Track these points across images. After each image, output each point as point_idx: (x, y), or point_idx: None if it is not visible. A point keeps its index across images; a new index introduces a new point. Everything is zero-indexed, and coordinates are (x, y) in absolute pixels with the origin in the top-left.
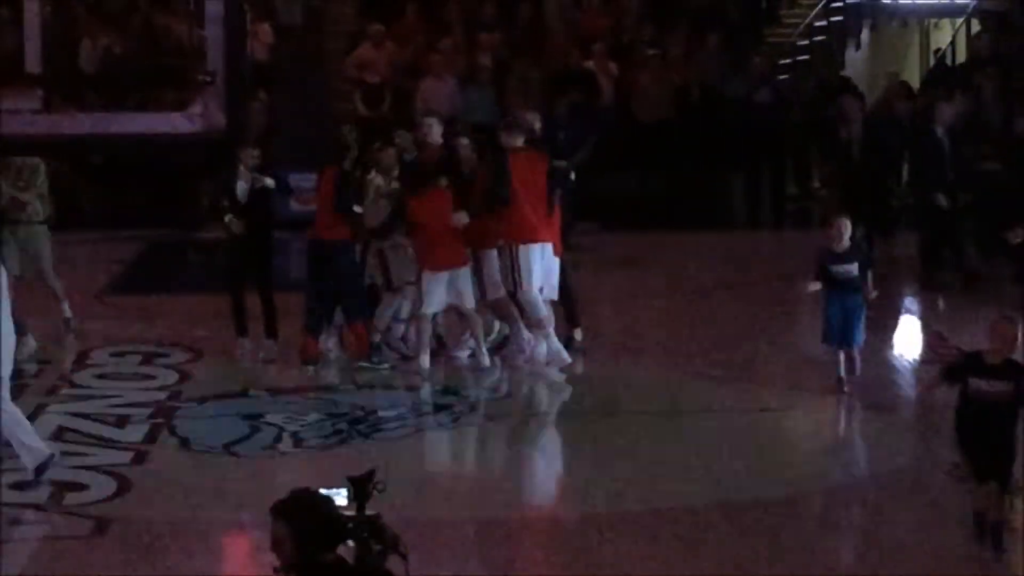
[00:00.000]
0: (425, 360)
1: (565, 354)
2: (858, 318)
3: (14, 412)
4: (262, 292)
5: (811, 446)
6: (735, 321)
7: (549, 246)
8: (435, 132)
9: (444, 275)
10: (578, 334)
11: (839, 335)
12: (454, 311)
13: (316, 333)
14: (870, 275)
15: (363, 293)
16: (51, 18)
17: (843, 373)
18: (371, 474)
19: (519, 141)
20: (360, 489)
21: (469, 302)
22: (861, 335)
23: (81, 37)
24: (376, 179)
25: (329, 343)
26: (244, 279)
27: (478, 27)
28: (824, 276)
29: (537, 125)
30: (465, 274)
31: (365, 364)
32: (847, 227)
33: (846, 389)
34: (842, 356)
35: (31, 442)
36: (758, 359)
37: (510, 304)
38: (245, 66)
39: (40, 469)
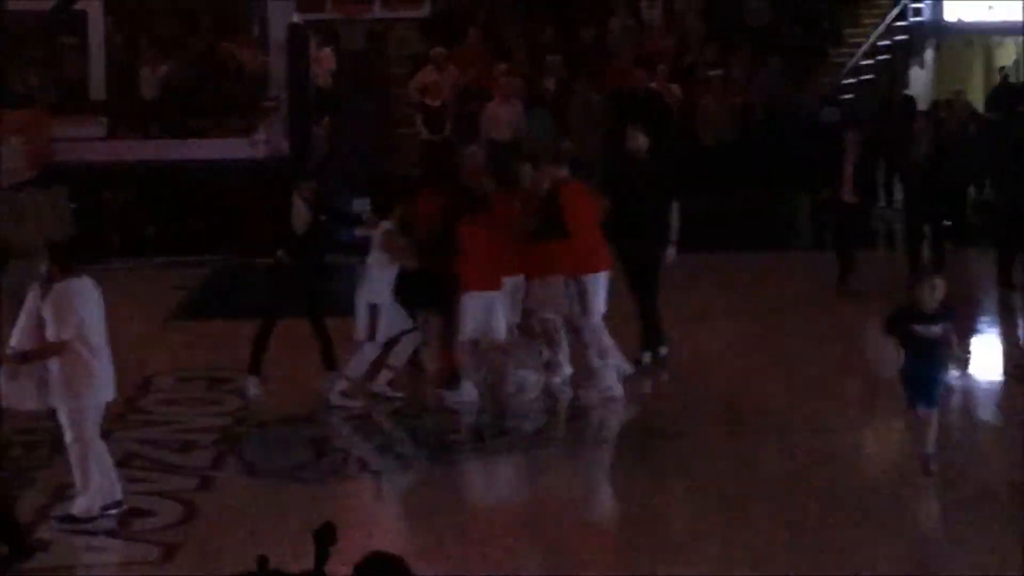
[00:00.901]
0: (471, 388)
1: (618, 390)
2: (940, 380)
3: (101, 446)
4: (316, 323)
5: (875, 466)
6: (800, 341)
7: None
8: (478, 157)
9: (482, 297)
10: (646, 357)
11: (921, 396)
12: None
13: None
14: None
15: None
16: (114, 45)
17: (929, 449)
18: (331, 528)
19: (565, 171)
20: (320, 545)
21: (500, 333)
22: (939, 396)
23: (143, 64)
24: None
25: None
26: (281, 313)
27: (540, 49)
28: (906, 337)
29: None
30: (498, 301)
31: (444, 391)
32: (940, 287)
33: (933, 469)
34: (925, 425)
35: (108, 479)
36: (823, 380)
37: (559, 330)
38: (308, 92)
39: (105, 508)
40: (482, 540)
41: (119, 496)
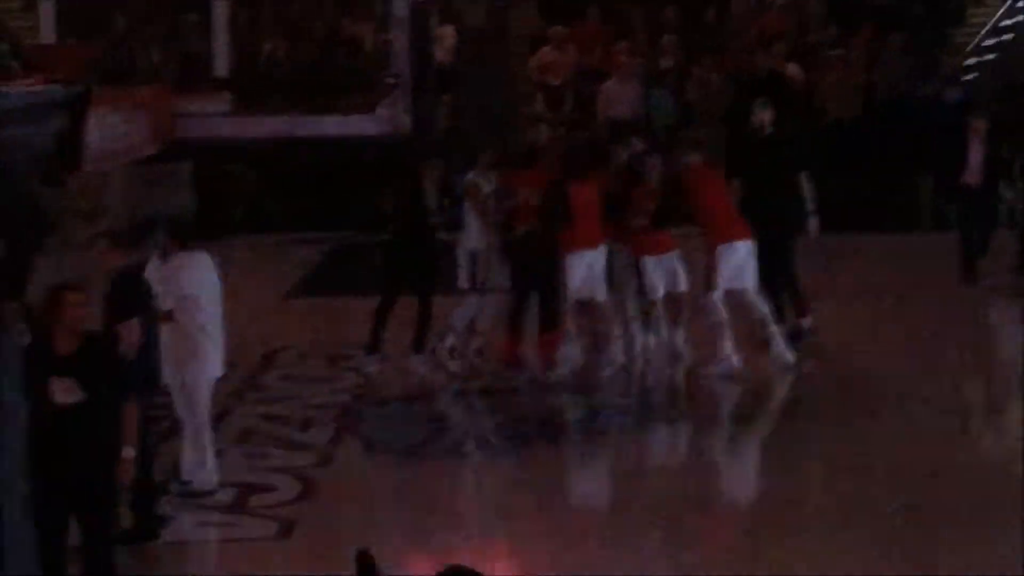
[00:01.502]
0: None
1: (735, 360)
2: None
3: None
4: (424, 303)
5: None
6: (921, 322)
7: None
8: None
9: (585, 256)
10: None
11: None
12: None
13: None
14: None
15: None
16: (237, 22)
17: None
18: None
19: (696, 156)
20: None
21: (601, 293)
22: None
23: (266, 42)
24: None
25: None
26: (400, 291)
27: (660, 29)
28: None
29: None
30: (600, 260)
31: (550, 371)
32: None
33: None
34: None
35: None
36: (943, 362)
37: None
38: (431, 69)
39: (194, 490)
40: (602, 521)
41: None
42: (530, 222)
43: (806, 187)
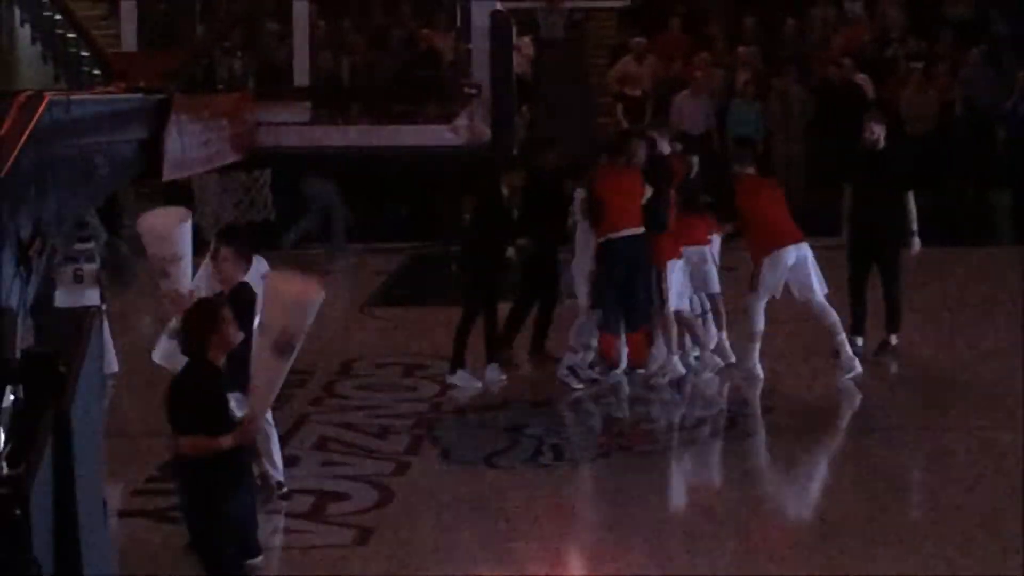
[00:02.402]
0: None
1: (759, 370)
2: None
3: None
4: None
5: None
6: (997, 339)
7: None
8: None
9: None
10: (893, 339)
11: None
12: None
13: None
14: None
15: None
16: (318, 32)
17: None
18: None
19: (749, 168)
20: None
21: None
22: None
23: (347, 51)
24: None
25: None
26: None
27: (741, 41)
28: None
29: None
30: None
31: (642, 372)
32: None
33: None
34: None
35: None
36: (1016, 378)
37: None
38: (511, 79)
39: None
40: (672, 535)
41: (279, 480)
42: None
43: (912, 204)
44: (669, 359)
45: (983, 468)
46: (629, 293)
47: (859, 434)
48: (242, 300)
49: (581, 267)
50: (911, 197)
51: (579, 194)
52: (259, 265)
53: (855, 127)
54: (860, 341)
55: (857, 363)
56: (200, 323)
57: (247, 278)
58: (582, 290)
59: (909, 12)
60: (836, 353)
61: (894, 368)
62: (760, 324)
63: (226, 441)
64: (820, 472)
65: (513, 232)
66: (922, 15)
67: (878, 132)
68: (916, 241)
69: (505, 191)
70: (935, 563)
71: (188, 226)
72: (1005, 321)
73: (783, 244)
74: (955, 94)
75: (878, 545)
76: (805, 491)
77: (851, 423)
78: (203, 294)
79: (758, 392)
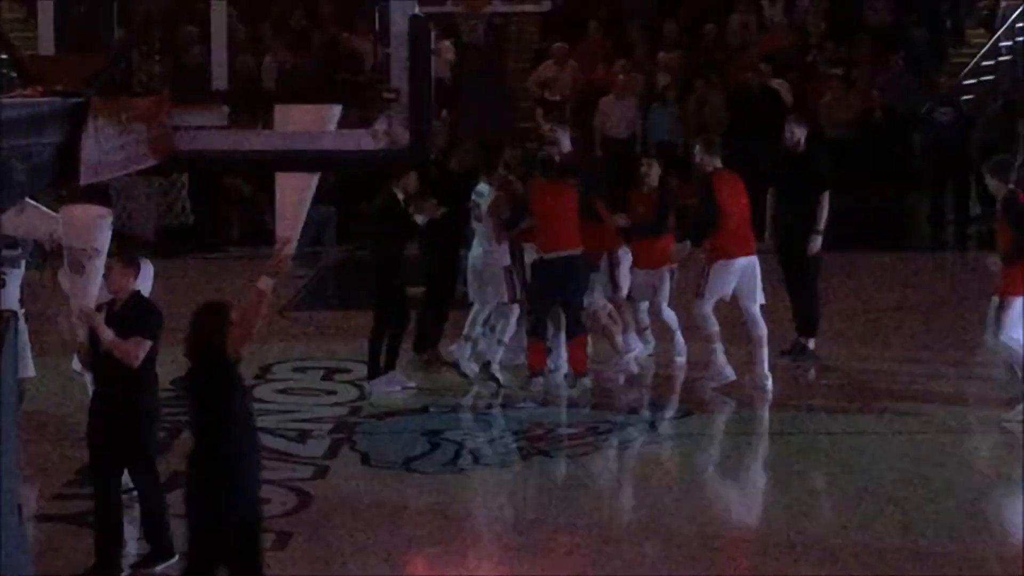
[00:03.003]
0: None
1: (729, 371)
2: None
3: None
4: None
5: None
6: (915, 343)
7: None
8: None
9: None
10: (811, 343)
11: None
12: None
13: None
14: None
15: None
16: (237, 35)
17: None
18: None
19: (718, 162)
20: None
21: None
22: None
23: (265, 55)
24: None
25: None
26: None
27: (660, 46)
28: None
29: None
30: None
31: (581, 380)
32: None
33: None
34: None
35: None
36: (936, 382)
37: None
38: (429, 84)
39: None
40: (589, 537)
41: None
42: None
43: (824, 204)
44: (624, 355)
45: (899, 472)
46: (565, 305)
47: (776, 437)
48: (141, 309)
49: (487, 262)
50: (825, 197)
51: (491, 194)
52: (147, 270)
53: (772, 132)
54: (811, 343)
55: (729, 371)
56: (213, 324)
57: (137, 285)
58: (491, 286)
59: (829, 18)
60: (788, 353)
61: (811, 373)
62: (714, 326)
63: (266, 283)
64: (736, 476)
65: (410, 236)
66: (841, 21)
67: (799, 134)
68: (817, 241)
69: (401, 195)
70: (852, 568)
71: (108, 223)
72: (920, 326)
73: (747, 252)
74: (874, 100)
75: (794, 548)
76: (721, 495)
77: (767, 427)
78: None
79: (677, 395)
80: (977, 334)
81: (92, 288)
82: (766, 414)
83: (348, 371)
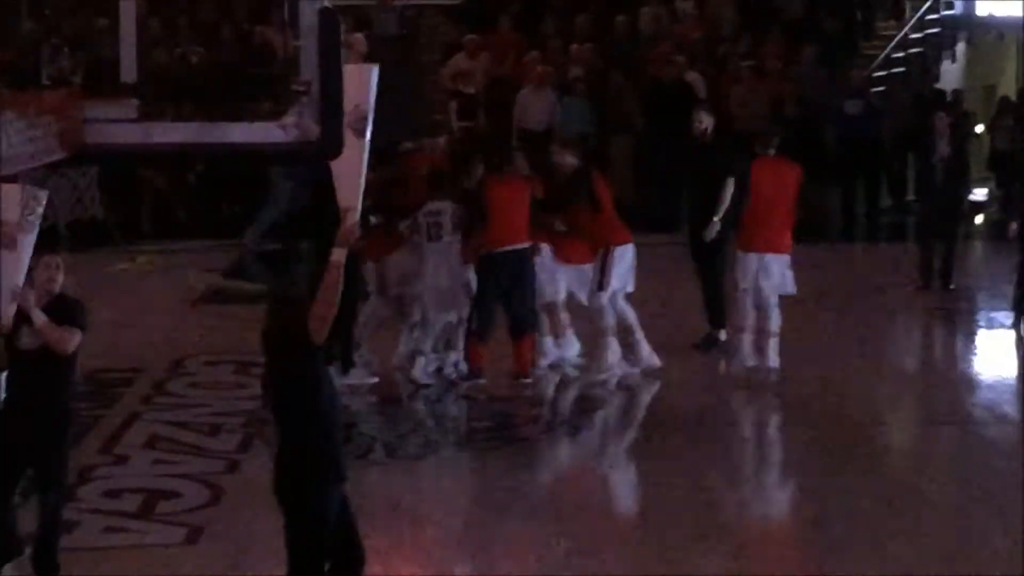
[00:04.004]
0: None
1: (655, 359)
2: None
3: None
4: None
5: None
6: (827, 334)
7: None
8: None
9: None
10: (722, 335)
11: None
12: None
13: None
14: None
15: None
16: (147, 27)
17: None
18: None
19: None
20: None
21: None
22: None
23: (176, 47)
24: None
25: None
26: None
27: (573, 38)
28: None
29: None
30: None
31: (524, 380)
32: None
33: None
34: None
35: None
36: (848, 372)
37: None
38: (340, 77)
39: None
40: (501, 531)
41: None
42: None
43: (727, 192)
44: (610, 359)
45: (816, 465)
46: (511, 303)
47: (694, 428)
48: (69, 303)
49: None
50: (729, 184)
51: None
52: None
53: (685, 125)
54: (723, 334)
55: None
56: (293, 313)
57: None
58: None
59: (740, 10)
60: (701, 345)
61: (722, 365)
62: (612, 319)
63: (339, 254)
64: (653, 468)
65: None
66: (753, 13)
67: (707, 122)
68: (714, 227)
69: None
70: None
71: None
72: (833, 318)
73: (629, 238)
74: (786, 92)
75: (707, 540)
76: (637, 488)
77: (685, 420)
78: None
79: (596, 391)
80: (887, 324)
81: (24, 265)
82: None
83: (259, 364)
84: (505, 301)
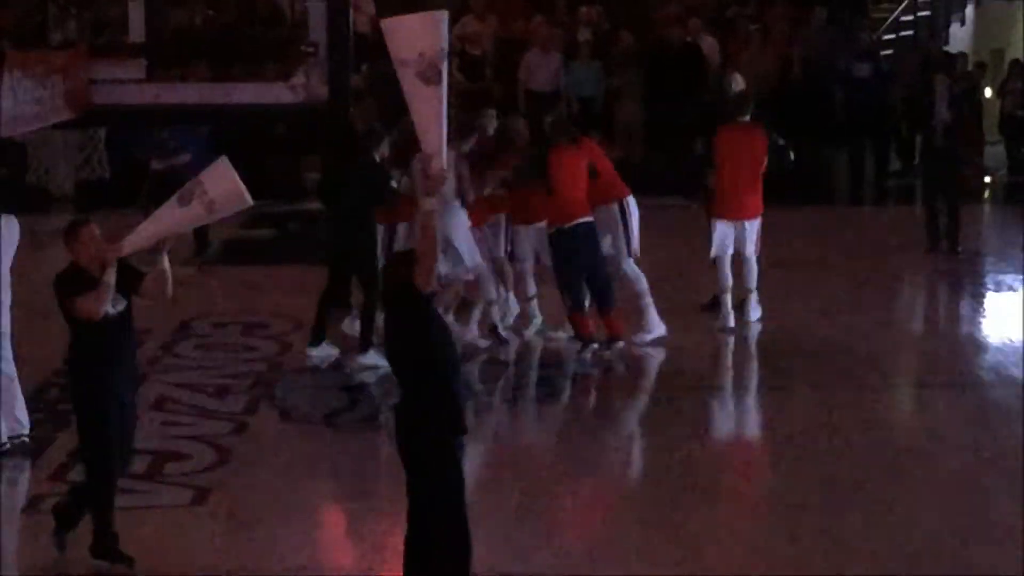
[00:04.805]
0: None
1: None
2: None
3: (11, 374)
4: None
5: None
6: (834, 296)
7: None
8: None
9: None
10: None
11: None
12: None
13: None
14: None
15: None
16: None
17: None
18: None
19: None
20: None
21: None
22: None
23: (184, 7)
24: None
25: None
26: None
27: (581, 0)
28: None
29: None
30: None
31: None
32: None
33: None
34: None
35: (17, 413)
36: (855, 335)
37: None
38: (347, 38)
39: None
40: (503, 495)
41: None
42: None
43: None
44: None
45: (819, 429)
46: (595, 277)
47: (692, 392)
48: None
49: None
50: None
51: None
52: (12, 228)
53: (691, 89)
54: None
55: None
56: (401, 268)
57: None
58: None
59: None
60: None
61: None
62: (645, 283)
63: (429, 203)
64: (638, 432)
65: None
66: None
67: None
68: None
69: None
70: (774, 522)
71: None
72: (840, 280)
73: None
74: (794, 54)
75: (690, 496)
76: (620, 451)
77: (679, 382)
78: None
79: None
80: (895, 286)
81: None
82: (678, 366)
83: (266, 326)
84: (589, 275)
